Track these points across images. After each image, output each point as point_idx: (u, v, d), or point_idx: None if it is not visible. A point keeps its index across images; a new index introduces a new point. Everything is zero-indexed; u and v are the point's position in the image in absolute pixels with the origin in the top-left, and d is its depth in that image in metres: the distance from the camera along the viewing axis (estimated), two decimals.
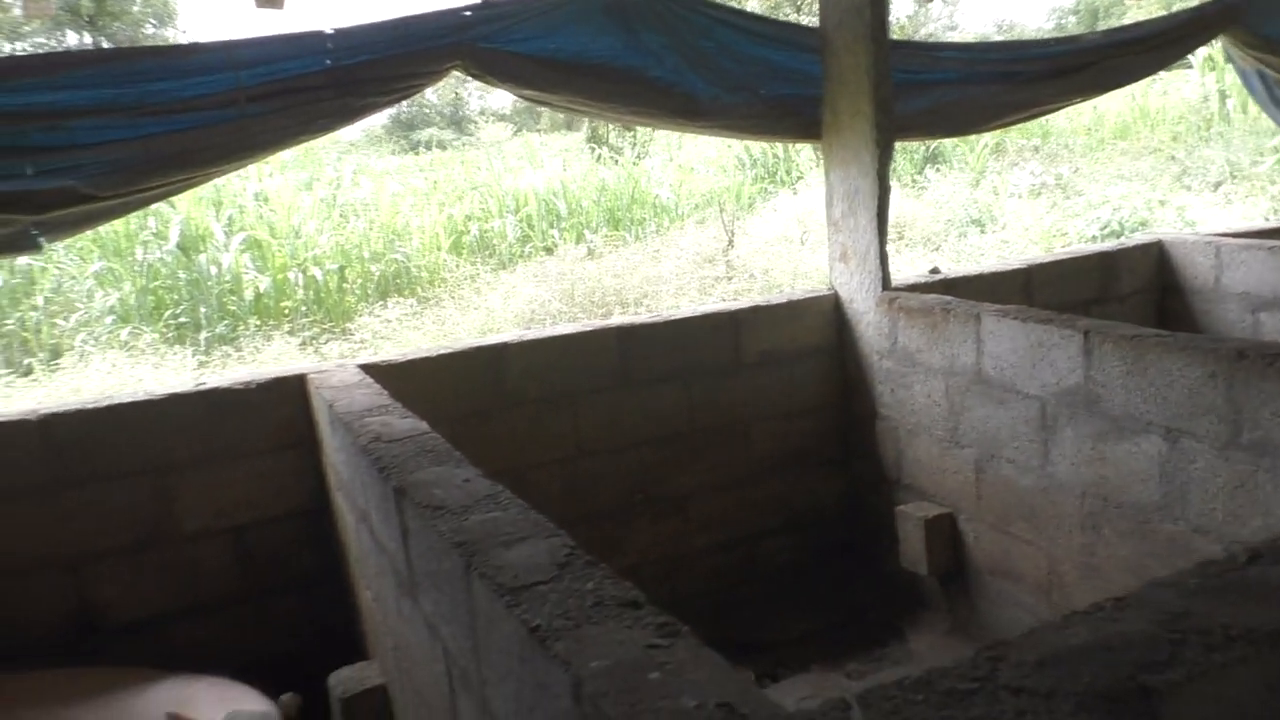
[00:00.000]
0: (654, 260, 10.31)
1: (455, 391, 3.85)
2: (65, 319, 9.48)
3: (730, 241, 9.85)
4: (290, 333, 10.09)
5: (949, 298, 3.85)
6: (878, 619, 4.03)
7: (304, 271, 10.91)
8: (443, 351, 3.90)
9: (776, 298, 4.40)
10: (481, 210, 11.95)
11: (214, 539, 3.54)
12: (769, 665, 3.78)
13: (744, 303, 4.34)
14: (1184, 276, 4.95)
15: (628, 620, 1.39)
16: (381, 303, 11.09)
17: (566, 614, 1.41)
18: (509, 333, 4.13)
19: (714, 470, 4.27)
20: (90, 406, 3.35)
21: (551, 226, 12.39)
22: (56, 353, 9.13)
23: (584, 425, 4.06)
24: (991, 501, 3.58)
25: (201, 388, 3.53)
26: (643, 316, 4.24)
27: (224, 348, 9.27)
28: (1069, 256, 4.94)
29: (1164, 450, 2.89)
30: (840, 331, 4.38)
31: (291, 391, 3.61)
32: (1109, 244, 5.11)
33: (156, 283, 9.98)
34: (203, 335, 9.63)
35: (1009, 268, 4.80)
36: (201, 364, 8.83)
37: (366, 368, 3.68)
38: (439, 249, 11.34)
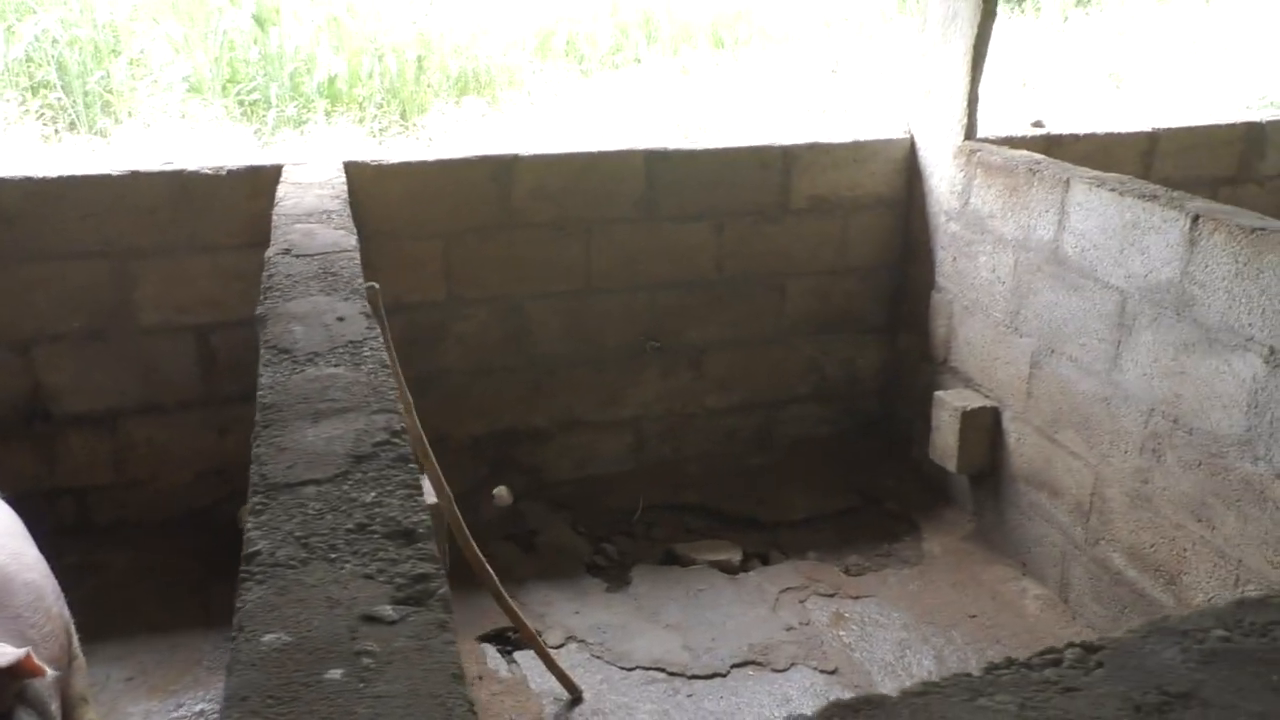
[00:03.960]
0: (755, 82, 9.49)
1: (453, 204, 3.43)
2: (153, 82, 9.26)
3: (834, 70, 8.93)
4: (360, 121, 9.72)
5: (1039, 157, 3.20)
6: (896, 510, 3.61)
7: (380, 58, 10.40)
8: (441, 157, 3.46)
9: (840, 135, 3.78)
10: (573, 12, 11.12)
11: (175, 336, 3.28)
12: (763, 545, 3.43)
13: (801, 137, 3.73)
14: None
15: (379, 562, 1.00)
16: (457, 100, 10.56)
17: (309, 537, 1.03)
18: (521, 145, 3.65)
19: (739, 325, 3.80)
20: (40, 176, 3.04)
21: (648, 39, 11.52)
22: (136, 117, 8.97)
23: (597, 258, 3.61)
24: (1042, 402, 3.05)
25: (168, 168, 3.18)
26: (678, 141, 3.69)
27: (288, 129, 8.94)
28: (1206, 124, 4.13)
29: (1261, 374, 2.31)
30: (910, 183, 3.76)
31: (267, 183, 3.21)
32: (1262, 114, 4.26)
33: (232, 54, 9.61)
34: (270, 114, 9.31)
35: (1130, 130, 4.04)
36: (265, 144, 8.55)
37: (351, 166, 3.28)
38: (522, 48, 10.64)
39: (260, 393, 1.40)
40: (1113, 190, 2.74)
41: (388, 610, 0.92)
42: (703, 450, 3.90)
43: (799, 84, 9.13)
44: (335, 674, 0.84)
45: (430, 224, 3.44)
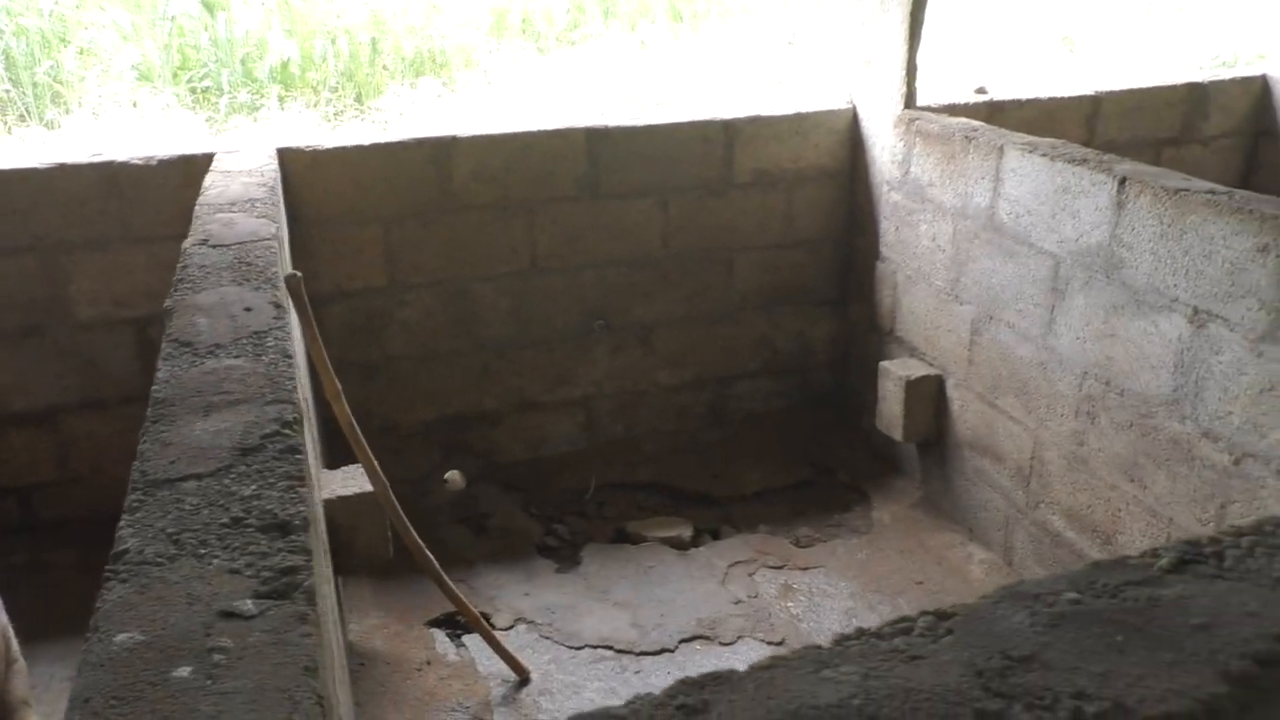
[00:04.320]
0: (713, 56, 9.43)
1: (392, 188, 3.40)
2: (102, 72, 9.09)
3: (791, 41, 8.89)
4: (314, 106, 9.59)
5: (976, 124, 3.20)
6: (848, 480, 3.63)
7: (333, 40, 10.26)
8: (379, 141, 3.42)
9: (782, 107, 3.76)
10: None
11: (113, 330, 3.24)
12: (715, 520, 3.44)
13: (742, 110, 3.71)
14: None
15: (248, 556, 0.98)
16: (413, 82, 10.44)
17: (181, 534, 1.01)
18: (460, 126, 3.61)
19: (688, 301, 3.80)
20: None
21: (605, 14, 11.41)
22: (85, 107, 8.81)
23: (542, 238, 3.59)
24: (983, 369, 3.06)
25: (96, 160, 3.13)
26: (618, 119, 3.66)
27: (241, 116, 8.81)
28: (1148, 86, 4.14)
29: (1185, 335, 2.33)
30: (854, 154, 3.76)
31: (200, 172, 3.17)
32: (1203, 75, 4.27)
33: (182, 40, 9.44)
34: (223, 101, 9.16)
35: (1073, 94, 4.04)
36: (218, 132, 8.43)
37: (286, 153, 3.24)
38: (477, 28, 10.53)
39: (155, 387, 1.38)
40: (1044, 155, 2.74)
41: (247, 605, 0.91)
42: (655, 427, 3.90)
43: (757, 57, 9.09)
44: (184, 672, 0.83)
45: (369, 209, 3.40)
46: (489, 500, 3.56)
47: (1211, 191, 2.30)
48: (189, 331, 1.57)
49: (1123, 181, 2.48)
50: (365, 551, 2.69)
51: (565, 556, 3.27)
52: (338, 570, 2.72)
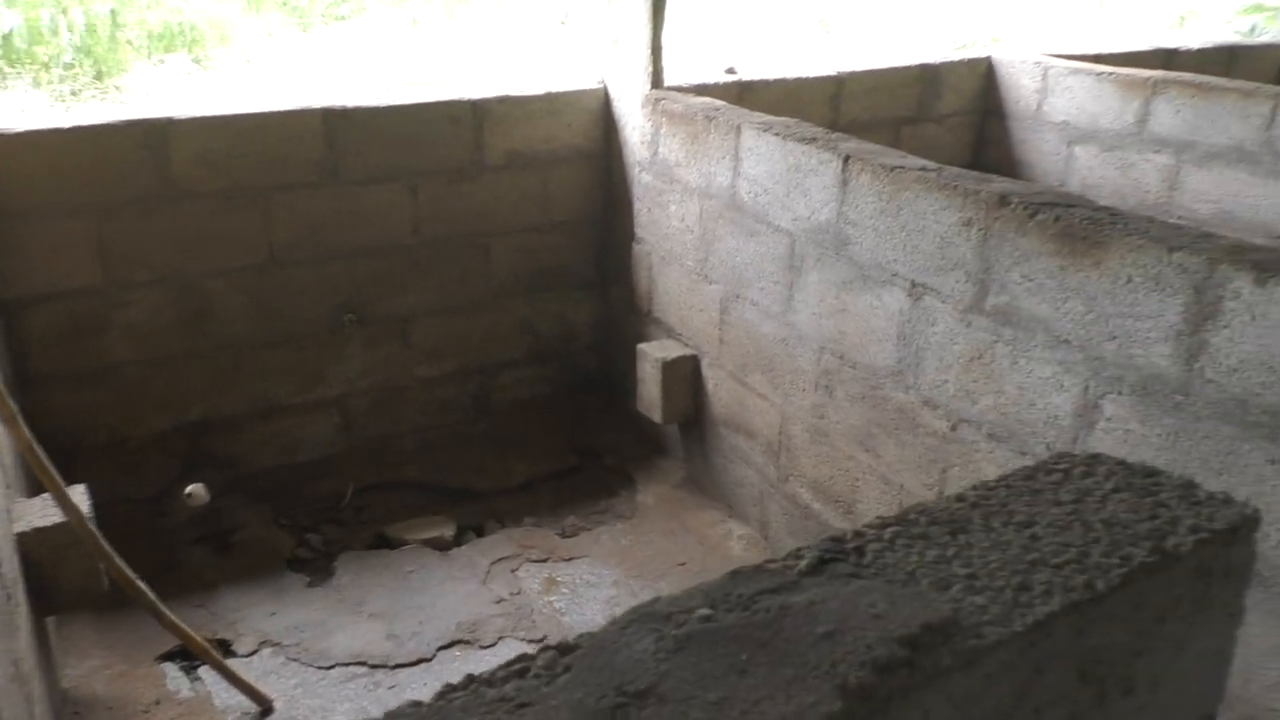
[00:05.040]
0: (485, 33, 9.20)
1: (102, 175, 3.06)
2: None
3: (564, 21, 8.80)
4: (44, 84, 8.69)
5: (718, 104, 3.21)
6: (615, 464, 3.61)
7: (64, 11, 9.33)
8: (82, 124, 3.07)
9: (532, 87, 3.66)
10: None
11: None
12: (480, 516, 3.33)
13: (491, 91, 3.59)
14: (1008, 99, 4.42)
15: None
16: (161, 59, 9.66)
17: None
18: (178, 107, 3.30)
19: (444, 290, 3.65)
20: None
21: None
22: None
23: (279, 228, 3.34)
24: (733, 347, 3.10)
25: None
26: (359, 99, 3.45)
27: None
28: (887, 67, 4.32)
29: (906, 308, 2.41)
30: (608, 134, 3.71)
31: None
32: (935, 57, 4.51)
33: None
34: None
35: (818, 74, 4.16)
36: None
37: None
38: (232, 1, 9.84)
39: None
40: (777, 135, 2.78)
41: None
42: (418, 423, 3.74)
43: (529, 35, 8.96)
44: None
45: (77, 199, 3.05)
46: (235, 514, 3.30)
47: (923, 169, 2.39)
48: None
49: (846, 160, 2.54)
50: (74, 587, 2.41)
51: (318, 569, 3.07)
52: (43, 610, 2.43)
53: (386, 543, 3.19)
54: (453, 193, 3.55)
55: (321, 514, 3.33)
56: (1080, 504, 0.94)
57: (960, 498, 0.97)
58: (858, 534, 0.93)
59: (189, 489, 3.34)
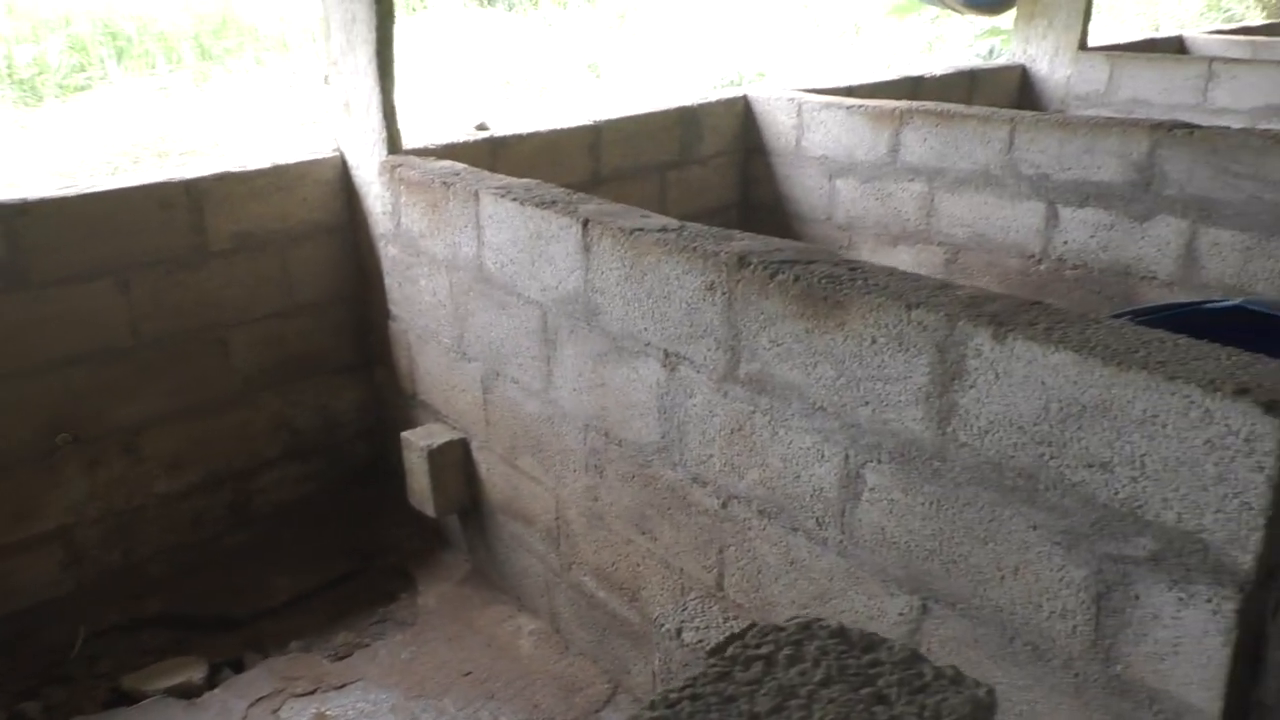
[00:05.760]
0: (244, 97, 8.66)
1: None
2: None
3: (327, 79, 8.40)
4: None
5: (458, 168, 2.98)
6: (395, 563, 3.29)
7: None
8: None
9: (257, 161, 3.32)
10: (11, 31, 9.47)
11: None
12: (237, 648, 2.94)
13: (207, 169, 3.23)
14: (768, 136, 4.42)
15: None
16: None
17: None
18: None
19: (178, 393, 3.23)
20: None
21: (119, 55, 10.14)
22: None
23: None
24: (500, 428, 2.86)
25: None
26: (46, 190, 3.02)
27: None
28: (645, 112, 4.22)
29: (662, 379, 2.24)
30: (350, 205, 3.41)
31: None
32: (693, 99, 4.46)
33: None
34: None
35: (574, 125, 4.01)
36: None
37: None
38: None
39: None
40: (515, 199, 2.58)
41: None
42: (164, 545, 3.29)
43: (291, 98, 8.49)
44: None
45: None
46: None
47: (663, 229, 2.24)
48: None
49: (586, 223, 2.36)
50: None
51: None
52: None
53: (124, 698, 2.75)
54: (174, 284, 3.16)
55: (43, 673, 2.84)
56: (781, 713, 0.75)
57: None
58: None
59: None
